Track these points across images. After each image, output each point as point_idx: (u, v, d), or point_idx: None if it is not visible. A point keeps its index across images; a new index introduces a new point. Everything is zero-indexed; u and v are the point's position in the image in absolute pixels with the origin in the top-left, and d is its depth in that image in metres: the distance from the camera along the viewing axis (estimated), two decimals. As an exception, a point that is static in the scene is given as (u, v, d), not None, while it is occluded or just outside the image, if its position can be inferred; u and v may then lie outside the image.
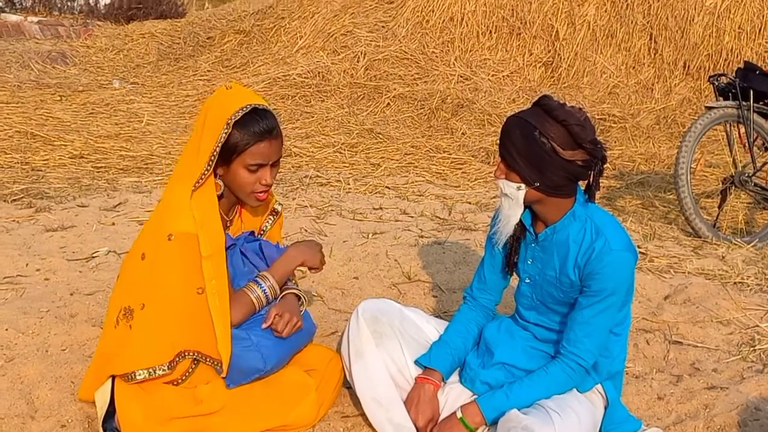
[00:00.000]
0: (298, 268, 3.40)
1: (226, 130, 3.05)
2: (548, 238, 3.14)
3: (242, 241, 3.33)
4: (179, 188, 3.10)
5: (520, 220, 3.15)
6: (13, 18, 13.40)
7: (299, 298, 3.42)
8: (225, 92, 3.16)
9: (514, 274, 3.36)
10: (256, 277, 3.28)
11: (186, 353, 3.09)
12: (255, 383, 3.22)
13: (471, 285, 3.50)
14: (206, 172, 3.08)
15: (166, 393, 3.12)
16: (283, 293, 3.39)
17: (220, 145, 3.06)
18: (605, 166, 3.08)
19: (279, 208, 3.55)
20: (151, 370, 3.07)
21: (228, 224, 3.32)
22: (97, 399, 3.15)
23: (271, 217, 3.52)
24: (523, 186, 3.03)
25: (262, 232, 3.48)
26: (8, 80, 10.52)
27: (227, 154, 3.10)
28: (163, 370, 3.07)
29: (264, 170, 3.17)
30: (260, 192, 3.20)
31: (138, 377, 3.07)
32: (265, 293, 3.24)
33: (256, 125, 3.11)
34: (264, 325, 3.23)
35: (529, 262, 3.23)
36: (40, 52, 12.02)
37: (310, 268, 3.44)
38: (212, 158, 3.07)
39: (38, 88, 10.27)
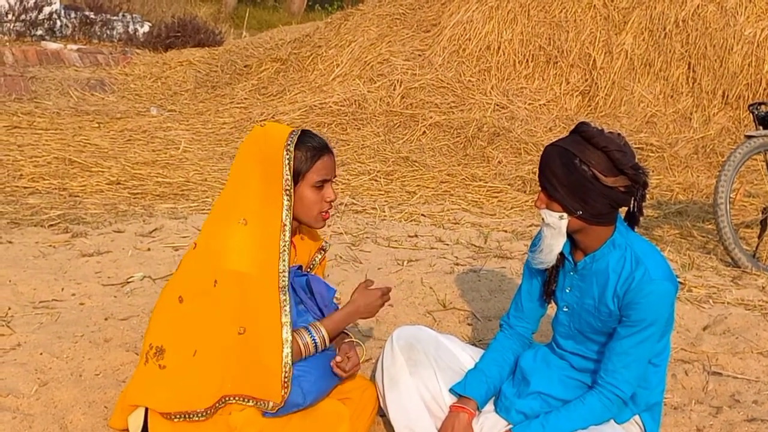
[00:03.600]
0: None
1: (288, 156, 3.06)
2: (587, 266, 3.10)
3: (291, 275, 3.29)
4: (233, 227, 3.07)
5: (560, 249, 3.11)
6: (53, 46, 13.54)
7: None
8: (263, 129, 3.15)
9: (552, 302, 3.32)
10: (309, 325, 3.20)
11: (228, 398, 3.07)
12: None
13: (508, 313, 3.47)
14: (288, 204, 3.08)
15: (200, 422, 3.10)
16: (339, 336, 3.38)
17: (288, 172, 3.06)
18: (646, 192, 3.04)
19: (327, 246, 3.54)
20: (186, 414, 3.05)
21: None
22: (130, 424, 3.13)
23: (319, 254, 3.50)
24: (565, 215, 2.99)
25: (310, 268, 3.45)
26: (47, 107, 10.63)
27: (293, 179, 3.10)
28: (199, 416, 3.04)
29: (327, 187, 3.18)
30: (326, 211, 3.21)
31: (174, 419, 3.05)
32: (314, 342, 3.16)
33: (313, 142, 3.14)
34: (338, 359, 3.22)
35: (567, 291, 3.19)
36: (79, 80, 12.13)
37: None
38: (287, 189, 3.07)
39: (77, 115, 10.36)
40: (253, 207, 3.07)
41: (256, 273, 3.04)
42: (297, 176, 3.11)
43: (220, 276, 3.02)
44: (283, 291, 3.08)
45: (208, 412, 3.03)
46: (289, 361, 3.06)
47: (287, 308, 3.08)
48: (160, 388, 3.06)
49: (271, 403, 3.07)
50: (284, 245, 3.09)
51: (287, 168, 3.06)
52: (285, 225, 3.08)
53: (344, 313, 3.27)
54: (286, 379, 3.06)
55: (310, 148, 3.12)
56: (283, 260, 3.08)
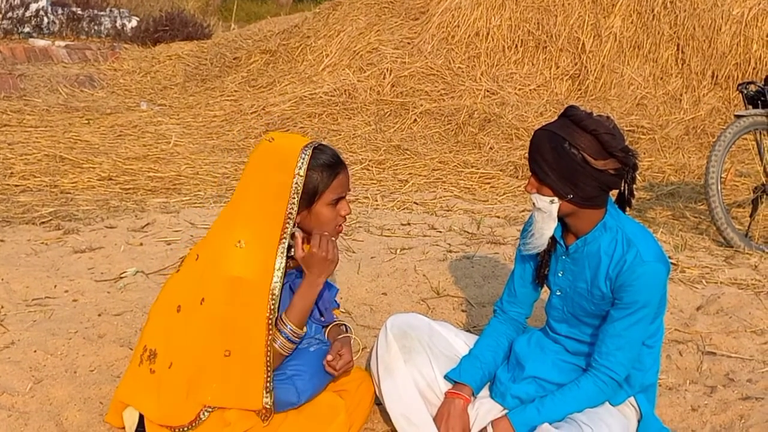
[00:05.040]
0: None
1: (296, 181, 3.02)
2: (579, 250, 3.10)
3: (292, 277, 3.26)
4: (229, 249, 3.05)
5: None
6: (40, 43, 13.49)
7: (346, 328, 3.42)
8: (271, 145, 3.10)
9: (545, 286, 3.32)
10: (278, 321, 3.14)
11: (209, 408, 3.07)
12: (285, 407, 3.20)
13: (501, 298, 3.47)
14: (287, 227, 3.05)
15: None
16: (330, 326, 3.37)
17: (296, 197, 3.04)
18: (636, 174, 3.04)
19: None
20: (173, 429, 3.06)
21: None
22: (126, 420, 3.14)
23: None
24: (556, 199, 2.99)
25: None
26: (37, 104, 10.61)
27: (308, 199, 3.08)
28: (186, 429, 3.05)
29: (342, 202, 3.17)
30: (341, 225, 3.19)
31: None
32: (287, 338, 3.14)
33: (326, 159, 3.09)
34: (329, 357, 3.21)
35: (559, 275, 3.19)
36: (68, 76, 12.10)
37: None
38: (289, 214, 3.04)
39: (66, 112, 10.34)
40: (252, 229, 3.04)
41: (254, 280, 3.02)
42: (314, 196, 3.08)
43: (208, 293, 3.01)
44: (270, 321, 3.06)
45: (193, 425, 3.04)
46: (270, 384, 3.06)
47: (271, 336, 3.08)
48: (149, 395, 3.07)
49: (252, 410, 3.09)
50: (277, 280, 3.06)
51: (294, 194, 3.03)
52: (280, 251, 3.05)
53: (302, 291, 3.16)
54: (267, 401, 3.06)
55: (325, 167, 3.07)
56: (273, 295, 3.05)
